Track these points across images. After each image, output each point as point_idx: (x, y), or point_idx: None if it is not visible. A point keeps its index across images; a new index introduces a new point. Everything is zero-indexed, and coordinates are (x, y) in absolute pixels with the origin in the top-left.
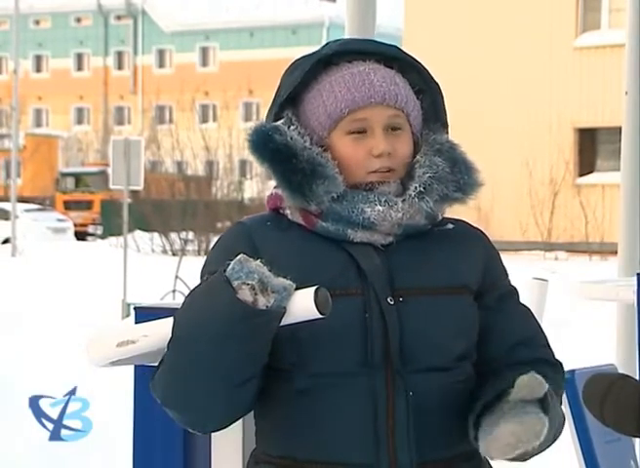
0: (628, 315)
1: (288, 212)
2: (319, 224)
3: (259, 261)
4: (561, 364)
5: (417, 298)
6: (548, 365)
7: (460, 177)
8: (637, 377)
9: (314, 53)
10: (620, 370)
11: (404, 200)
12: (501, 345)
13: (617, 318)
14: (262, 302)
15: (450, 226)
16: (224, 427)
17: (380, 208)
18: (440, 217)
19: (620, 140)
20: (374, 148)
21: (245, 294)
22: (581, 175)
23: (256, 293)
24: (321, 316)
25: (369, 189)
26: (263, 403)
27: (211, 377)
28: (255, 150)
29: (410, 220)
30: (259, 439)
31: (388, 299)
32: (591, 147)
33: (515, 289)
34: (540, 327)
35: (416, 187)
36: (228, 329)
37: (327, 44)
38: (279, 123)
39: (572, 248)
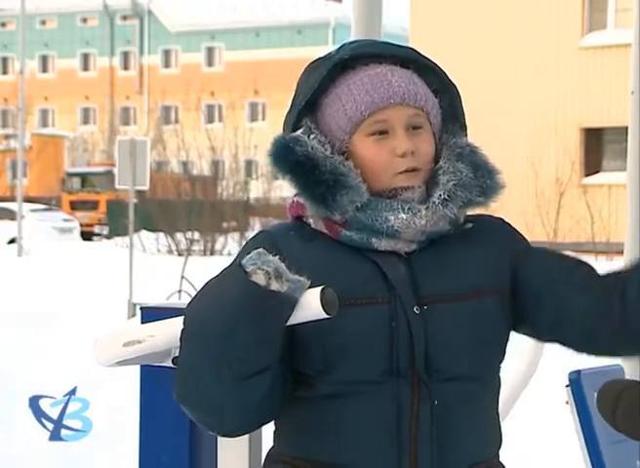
0: None
1: (311, 221)
2: (343, 233)
3: (277, 257)
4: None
5: (442, 306)
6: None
7: (484, 182)
8: None
9: (329, 56)
10: (626, 371)
11: (427, 207)
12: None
13: None
14: (275, 287)
15: (469, 225)
16: (245, 430)
17: (404, 216)
18: (462, 220)
19: (626, 140)
20: (397, 148)
21: (259, 278)
22: (588, 174)
23: (269, 279)
24: (327, 316)
25: (392, 196)
26: (284, 404)
27: (220, 367)
28: (276, 163)
29: (433, 227)
30: (277, 439)
31: (414, 308)
32: (597, 147)
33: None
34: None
35: (440, 195)
36: (239, 311)
37: (342, 46)
38: (298, 132)
39: (578, 248)
